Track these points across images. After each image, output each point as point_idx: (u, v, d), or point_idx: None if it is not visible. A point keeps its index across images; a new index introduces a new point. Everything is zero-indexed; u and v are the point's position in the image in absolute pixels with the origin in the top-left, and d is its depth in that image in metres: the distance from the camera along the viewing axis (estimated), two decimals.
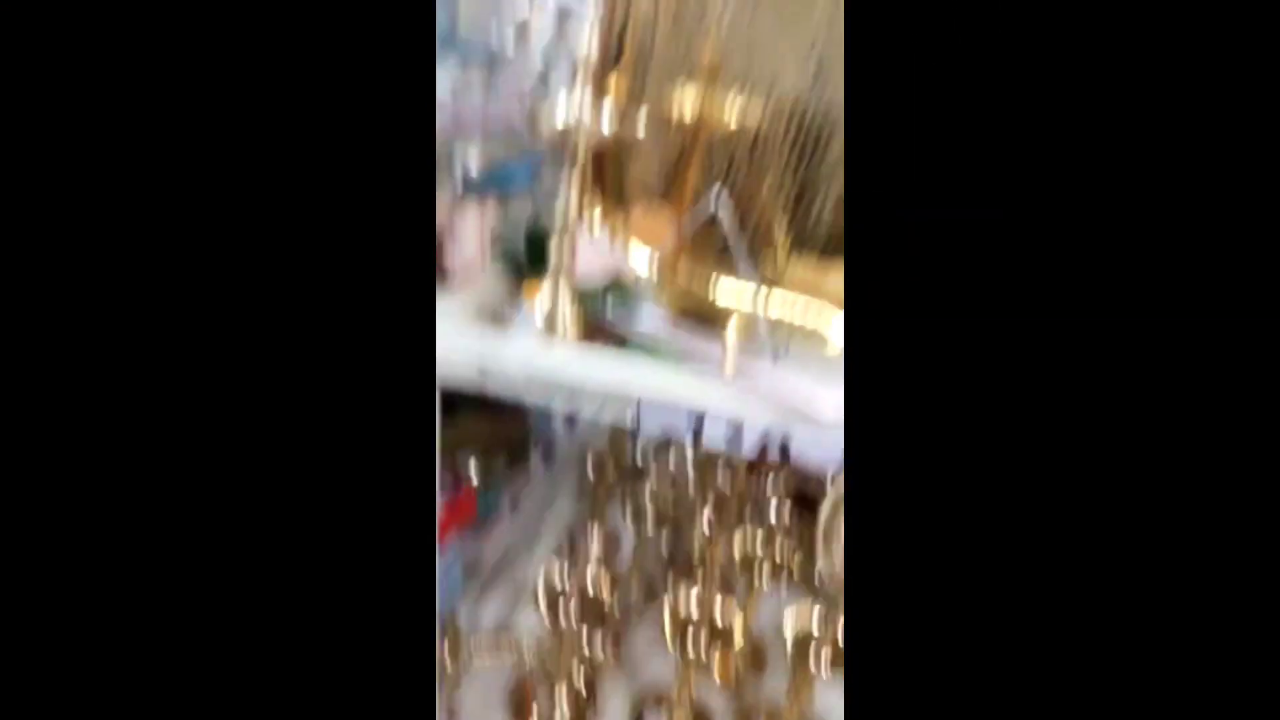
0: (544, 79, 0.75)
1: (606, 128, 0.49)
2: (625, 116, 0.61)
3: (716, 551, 0.95)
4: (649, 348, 0.58)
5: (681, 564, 1.01)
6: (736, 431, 0.46)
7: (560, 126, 0.49)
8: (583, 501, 1.12)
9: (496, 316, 0.60)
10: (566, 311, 0.58)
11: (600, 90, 0.60)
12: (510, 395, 0.52)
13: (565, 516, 1.10)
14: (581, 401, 0.50)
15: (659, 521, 0.94)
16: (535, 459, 1.08)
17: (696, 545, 0.99)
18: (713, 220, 0.54)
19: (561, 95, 0.74)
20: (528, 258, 0.69)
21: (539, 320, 0.56)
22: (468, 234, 0.63)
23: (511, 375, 0.50)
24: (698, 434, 0.47)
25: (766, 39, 0.54)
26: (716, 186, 0.53)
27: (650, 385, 0.48)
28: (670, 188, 0.64)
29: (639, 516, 0.94)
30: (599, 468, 1.02)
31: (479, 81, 0.64)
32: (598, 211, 0.67)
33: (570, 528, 1.07)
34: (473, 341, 0.52)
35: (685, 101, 0.59)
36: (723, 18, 0.55)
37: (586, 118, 0.50)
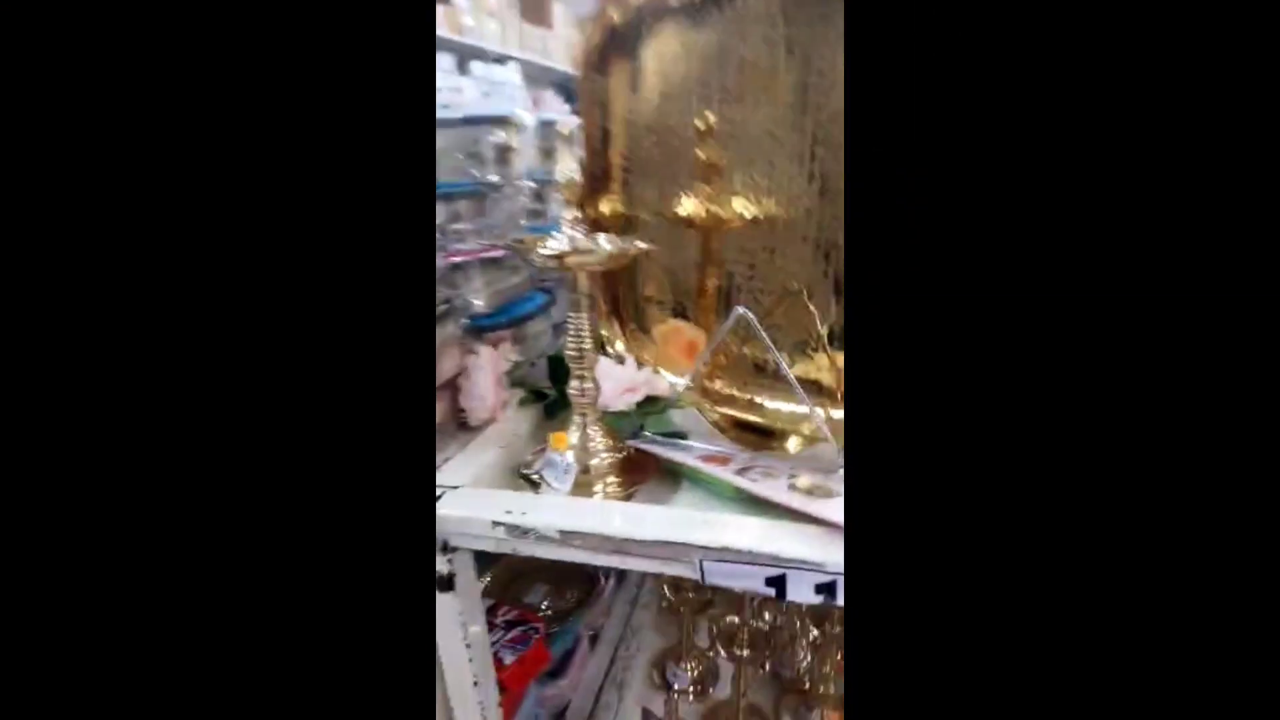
0: (538, 197, 0.71)
1: (606, 247, 0.44)
2: (624, 232, 0.56)
3: (827, 668, 0.84)
4: (702, 483, 0.50)
5: (790, 689, 0.89)
6: (828, 587, 0.37)
7: (554, 252, 0.44)
8: (668, 627, 1.02)
9: (526, 465, 0.54)
10: (603, 455, 0.51)
11: (594, 208, 0.56)
12: (549, 557, 0.44)
13: (651, 646, 1.00)
14: (633, 559, 0.42)
15: (754, 643, 0.83)
16: (609, 585, 0.99)
17: (803, 665, 0.87)
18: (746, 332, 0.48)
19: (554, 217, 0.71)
20: (553, 381, 0.64)
21: (573, 470, 0.49)
22: (483, 373, 0.58)
23: (549, 535, 0.43)
24: (780, 592, 0.38)
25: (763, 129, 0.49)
26: (738, 310, 0.47)
27: (713, 536, 0.40)
28: (689, 300, 0.58)
29: (732, 641, 0.83)
30: (677, 589, 0.93)
31: (468, 213, 0.60)
32: (618, 331, 0.61)
33: (659, 658, 0.97)
34: (503, 499, 0.46)
35: (688, 203, 0.54)
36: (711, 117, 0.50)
37: (581, 241, 0.45)
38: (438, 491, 0.47)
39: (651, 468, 0.52)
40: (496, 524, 0.44)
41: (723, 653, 0.86)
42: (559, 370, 0.63)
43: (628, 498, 0.50)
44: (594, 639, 0.96)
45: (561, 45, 3.04)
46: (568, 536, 0.43)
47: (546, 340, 0.71)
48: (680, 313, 0.60)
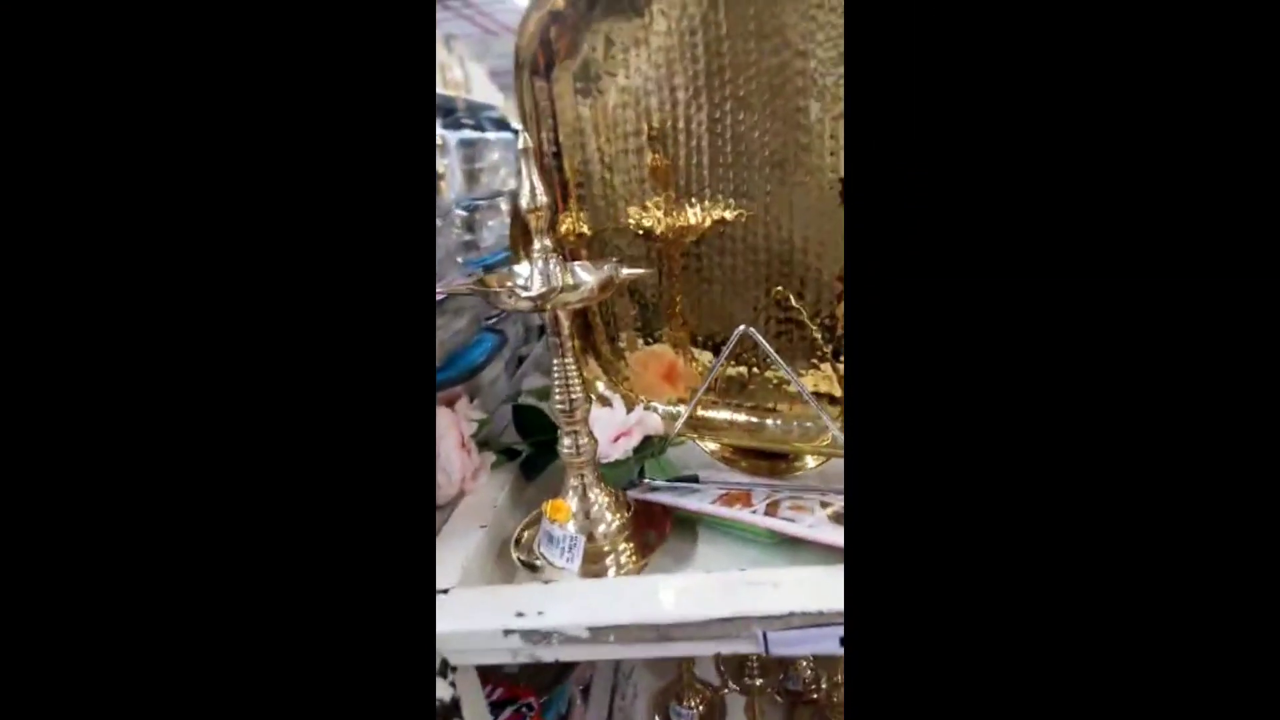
0: (469, 227, 0.63)
1: (589, 279, 0.37)
2: (590, 254, 0.50)
3: (839, 676, 0.80)
4: (729, 529, 0.44)
5: (800, 701, 0.85)
6: None
7: (536, 293, 0.36)
8: (663, 664, 0.95)
9: (518, 544, 0.46)
10: (609, 519, 0.44)
11: (552, 232, 0.48)
12: (577, 659, 0.37)
13: (649, 688, 0.93)
14: (681, 645, 0.36)
15: (766, 669, 0.78)
16: None
17: (807, 674, 0.83)
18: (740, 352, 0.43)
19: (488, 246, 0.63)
20: (523, 434, 0.56)
21: (580, 544, 0.42)
22: (445, 440, 0.50)
23: (576, 635, 0.36)
24: None
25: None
26: (741, 328, 0.41)
27: (774, 602, 0.34)
28: (661, 320, 0.52)
29: (743, 671, 0.78)
30: None
31: None
32: (595, 369, 0.54)
33: (659, 700, 0.90)
34: (509, 597, 0.38)
35: (645, 215, 0.48)
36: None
37: (559, 277, 0.37)
38: None
39: (664, 522, 0.46)
40: (509, 632, 0.36)
41: (733, 686, 0.80)
42: (528, 420, 0.55)
43: (644, 567, 0.43)
44: (585, 692, 0.88)
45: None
46: (599, 633, 0.36)
47: (501, 386, 0.62)
48: (649, 333, 0.54)
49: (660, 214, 0.48)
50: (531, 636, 0.36)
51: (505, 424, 0.59)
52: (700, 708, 0.86)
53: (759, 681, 0.77)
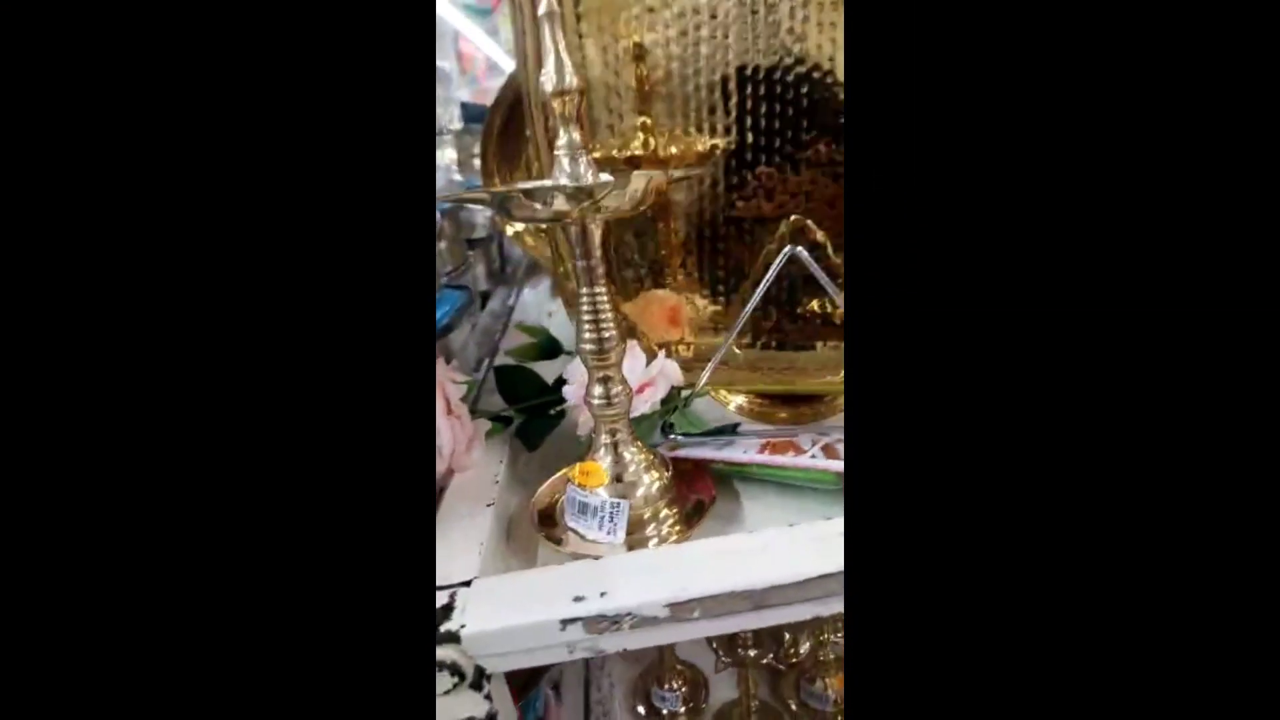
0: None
1: (634, 182, 0.30)
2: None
3: (824, 635, 0.78)
4: (784, 482, 0.39)
5: (783, 662, 0.82)
6: None
7: (577, 186, 0.29)
8: (638, 651, 0.90)
9: (544, 518, 0.38)
10: (646, 480, 0.37)
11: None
12: (649, 645, 0.31)
13: (625, 677, 0.87)
14: (778, 611, 0.30)
15: (760, 640, 0.75)
16: None
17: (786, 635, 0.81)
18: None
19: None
20: (509, 400, 0.48)
21: (625, 511, 0.35)
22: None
23: (654, 615, 0.29)
24: None
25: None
26: (789, 249, 0.36)
27: None
28: (660, 259, 0.46)
29: (734, 642, 0.74)
30: None
31: None
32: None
33: (637, 687, 0.85)
34: (557, 580, 0.31)
35: (632, 145, 0.41)
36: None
37: (599, 178, 0.30)
38: (446, 595, 0.30)
39: (706, 481, 0.40)
40: (568, 621, 0.29)
41: (725, 658, 0.76)
42: (515, 382, 0.47)
43: (687, 535, 0.37)
44: (557, 690, 0.82)
45: None
46: (682, 609, 0.29)
47: (471, 350, 0.54)
48: (637, 276, 0.47)
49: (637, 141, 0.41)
50: (597, 624, 0.29)
51: (480, 389, 0.51)
52: (684, 688, 0.82)
53: (753, 653, 0.73)
